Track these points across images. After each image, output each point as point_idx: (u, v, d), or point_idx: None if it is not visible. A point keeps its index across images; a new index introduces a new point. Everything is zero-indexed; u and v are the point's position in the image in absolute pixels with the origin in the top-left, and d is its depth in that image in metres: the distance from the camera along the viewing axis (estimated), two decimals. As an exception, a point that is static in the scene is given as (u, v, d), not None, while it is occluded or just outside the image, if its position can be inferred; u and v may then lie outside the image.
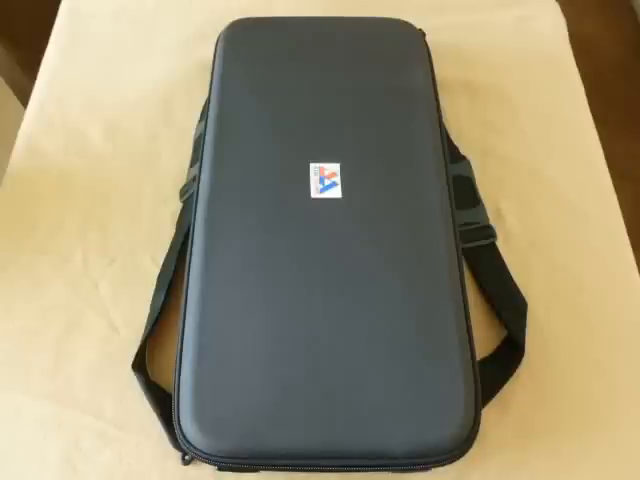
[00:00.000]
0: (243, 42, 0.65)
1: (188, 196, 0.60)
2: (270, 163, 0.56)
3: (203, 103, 0.67)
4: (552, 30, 0.76)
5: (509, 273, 0.57)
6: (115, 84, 0.71)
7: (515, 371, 0.52)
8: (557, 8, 0.79)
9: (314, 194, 0.54)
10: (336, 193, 0.54)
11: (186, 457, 0.48)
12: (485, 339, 0.54)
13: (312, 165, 0.55)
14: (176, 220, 0.60)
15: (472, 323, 0.50)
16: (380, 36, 0.66)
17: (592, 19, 1.48)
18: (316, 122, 0.58)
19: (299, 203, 0.53)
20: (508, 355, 0.53)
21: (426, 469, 0.45)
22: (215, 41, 0.67)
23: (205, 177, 0.55)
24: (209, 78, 0.64)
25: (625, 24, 1.50)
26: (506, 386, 0.52)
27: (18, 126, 0.68)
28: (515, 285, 0.56)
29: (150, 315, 0.54)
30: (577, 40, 0.78)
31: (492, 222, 0.60)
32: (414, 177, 0.55)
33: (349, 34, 0.66)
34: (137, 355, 0.52)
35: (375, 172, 0.56)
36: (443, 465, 0.45)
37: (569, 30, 0.77)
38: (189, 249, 0.53)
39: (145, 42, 0.75)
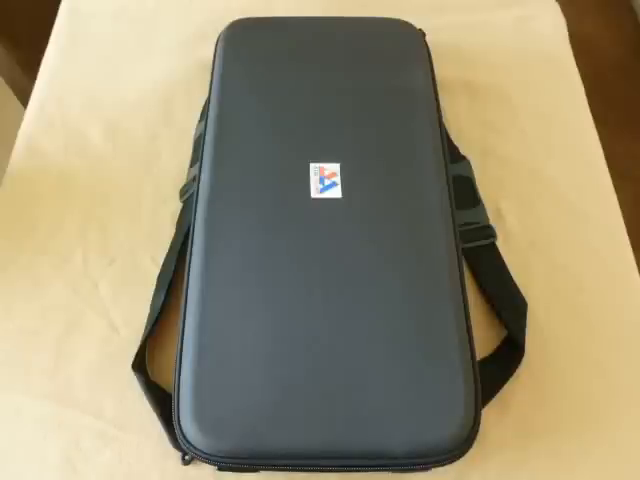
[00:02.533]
0: (243, 42, 0.65)
1: (188, 196, 0.60)
2: (270, 163, 0.56)
3: (203, 103, 0.67)
4: (552, 30, 0.76)
5: (509, 273, 0.57)
6: (115, 84, 0.71)
7: (515, 371, 0.52)
8: (557, 8, 0.79)
9: (314, 194, 0.54)
10: (336, 193, 0.54)
11: (186, 457, 0.48)
12: (485, 339, 0.54)
13: (312, 165, 0.55)
14: (176, 220, 0.60)
15: (472, 323, 0.50)
16: (380, 36, 0.66)
17: (592, 19, 1.48)
18: (316, 122, 0.58)
19: (299, 203, 0.53)
20: (508, 355, 0.53)
21: (426, 469, 0.45)
22: (215, 41, 0.67)
23: (205, 177, 0.55)
24: (209, 78, 0.64)
25: (625, 24, 1.50)
26: (506, 386, 0.52)
27: (18, 126, 0.68)
28: (515, 285, 0.56)
29: (150, 315, 0.54)
30: (577, 40, 0.78)
31: (492, 222, 0.60)
32: (414, 177, 0.55)
33: (349, 34, 0.66)
34: (137, 355, 0.52)
35: (375, 172, 0.56)
36: (443, 465, 0.45)
37: (569, 30, 0.77)
38: (189, 249, 0.53)
39: (145, 42, 0.75)
